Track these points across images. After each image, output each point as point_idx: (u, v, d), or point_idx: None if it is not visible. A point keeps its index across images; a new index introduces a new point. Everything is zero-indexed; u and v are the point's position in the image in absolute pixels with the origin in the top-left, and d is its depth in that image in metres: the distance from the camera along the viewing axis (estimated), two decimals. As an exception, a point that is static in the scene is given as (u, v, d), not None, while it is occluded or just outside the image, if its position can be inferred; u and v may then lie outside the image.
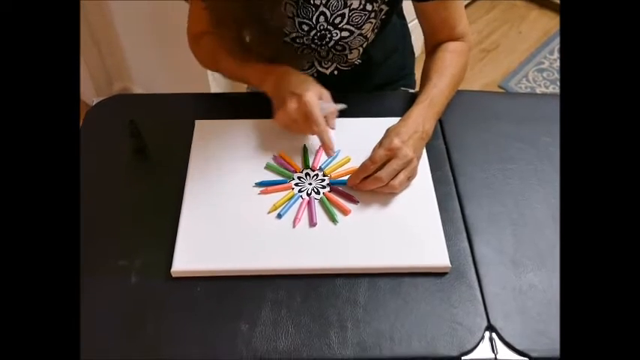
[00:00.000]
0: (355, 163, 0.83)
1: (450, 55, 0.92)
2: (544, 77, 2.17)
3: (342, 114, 0.89)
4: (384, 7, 0.90)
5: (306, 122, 0.81)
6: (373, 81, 1.05)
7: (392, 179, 0.77)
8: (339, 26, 0.89)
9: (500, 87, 2.12)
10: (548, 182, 0.84)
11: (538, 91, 2.10)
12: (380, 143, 0.80)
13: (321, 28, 0.89)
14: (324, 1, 0.86)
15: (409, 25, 1.11)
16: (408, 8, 0.97)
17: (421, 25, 0.96)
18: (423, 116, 0.83)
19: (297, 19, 0.88)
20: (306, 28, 0.89)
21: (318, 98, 0.81)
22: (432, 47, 0.95)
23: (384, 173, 0.77)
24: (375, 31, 0.95)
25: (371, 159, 0.78)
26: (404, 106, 0.87)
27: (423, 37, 0.98)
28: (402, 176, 0.78)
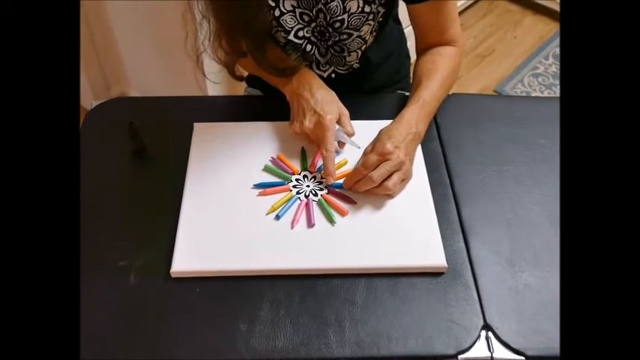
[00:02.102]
0: (352, 166, 0.84)
1: (440, 57, 0.93)
2: (539, 82, 2.18)
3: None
4: (381, 9, 0.92)
5: (317, 142, 0.84)
6: (369, 85, 1.06)
7: (385, 180, 0.78)
8: (338, 30, 0.91)
9: (495, 92, 2.13)
10: (544, 183, 0.84)
11: (533, 95, 2.11)
12: (372, 147, 0.81)
13: (321, 23, 0.91)
14: (322, 1, 0.87)
15: (405, 31, 1.12)
16: (405, 14, 0.98)
17: (413, 27, 0.97)
18: (415, 118, 0.84)
19: (297, 10, 0.89)
20: (307, 18, 0.91)
21: (336, 120, 0.84)
22: (423, 50, 0.96)
23: (376, 174, 0.77)
24: (374, 33, 0.96)
25: (363, 164, 0.79)
26: (401, 109, 0.87)
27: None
28: (395, 178, 0.78)
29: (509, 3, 2.54)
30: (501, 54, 2.31)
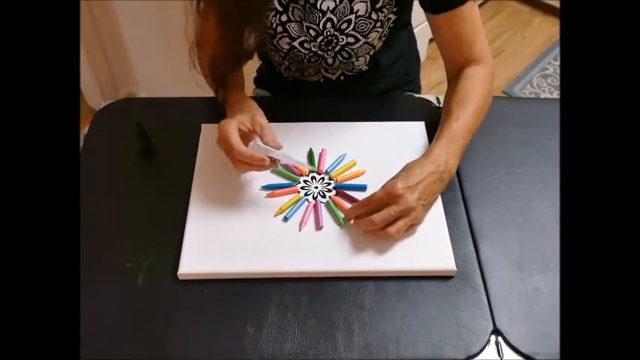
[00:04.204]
0: (360, 167, 0.84)
1: (472, 82, 0.85)
2: (548, 83, 2.17)
3: (347, 118, 0.90)
4: (392, 16, 0.90)
5: (230, 153, 0.76)
6: (378, 87, 1.06)
7: (389, 225, 0.72)
8: (346, 32, 0.90)
9: (504, 92, 2.12)
10: (554, 186, 0.84)
11: (542, 96, 2.10)
12: (384, 184, 0.75)
13: (328, 34, 0.90)
14: (331, 8, 0.86)
15: (414, 31, 1.11)
16: (415, 14, 0.97)
17: (439, 48, 0.90)
18: (445, 153, 0.77)
19: (304, 23, 0.89)
20: (313, 33, 0.90)
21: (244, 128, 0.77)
22: (453, 73, 0.89)
23: (378, 217, 0.72)
24: (383, 39, 0.95)
25: (368, 198, 0.74)
26: (409, 110, 0.87)
27: (427, 42, 0.97)
28: (400, 224, 0.72)
29: (519, 3, 2.53)
30: (510, 55, 2.30)
